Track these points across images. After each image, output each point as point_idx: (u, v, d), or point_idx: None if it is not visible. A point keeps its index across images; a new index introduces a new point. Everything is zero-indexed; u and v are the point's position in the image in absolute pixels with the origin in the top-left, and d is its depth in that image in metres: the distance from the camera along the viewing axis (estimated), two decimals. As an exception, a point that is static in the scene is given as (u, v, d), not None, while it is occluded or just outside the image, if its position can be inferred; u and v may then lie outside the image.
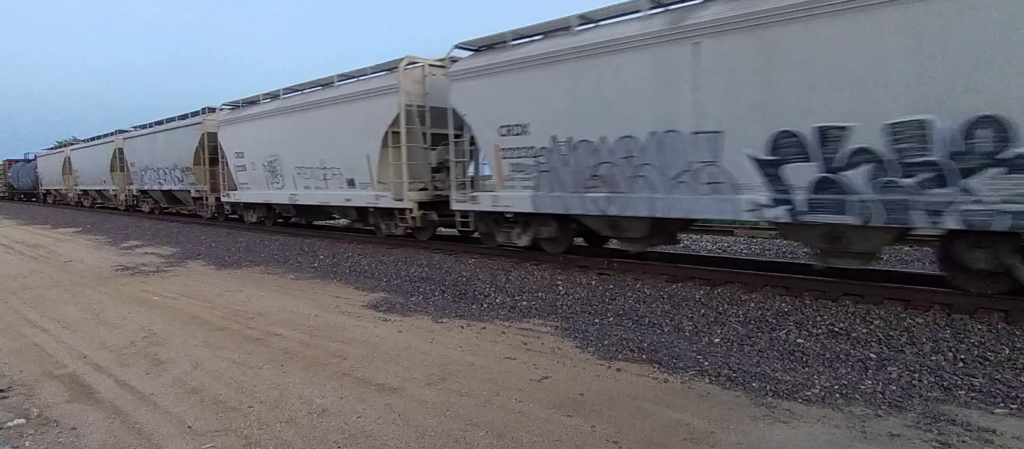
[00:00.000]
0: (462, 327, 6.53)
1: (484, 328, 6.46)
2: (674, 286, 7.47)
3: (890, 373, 4.72)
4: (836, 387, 4.48)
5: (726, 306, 6.60)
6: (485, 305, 7.54)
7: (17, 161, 49.65)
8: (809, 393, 4.40)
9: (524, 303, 7.45)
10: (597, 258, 8.99)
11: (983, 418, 3.96)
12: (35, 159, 40.44)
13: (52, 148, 38.60)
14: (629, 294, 7.35)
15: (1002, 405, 4.15)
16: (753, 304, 6.55)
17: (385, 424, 4.08)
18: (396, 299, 7.99)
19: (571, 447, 3.71)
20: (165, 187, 21.14)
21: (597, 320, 6.64)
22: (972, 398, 4.27)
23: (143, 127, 22.42)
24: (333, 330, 6.53)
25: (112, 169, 25.58)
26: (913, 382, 4.55)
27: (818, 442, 3.70)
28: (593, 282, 8.00)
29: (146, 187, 22.74)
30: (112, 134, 25.57)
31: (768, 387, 4.51)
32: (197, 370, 5.31)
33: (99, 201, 29.95)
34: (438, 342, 5.98)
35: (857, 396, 4.33)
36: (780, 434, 3.81)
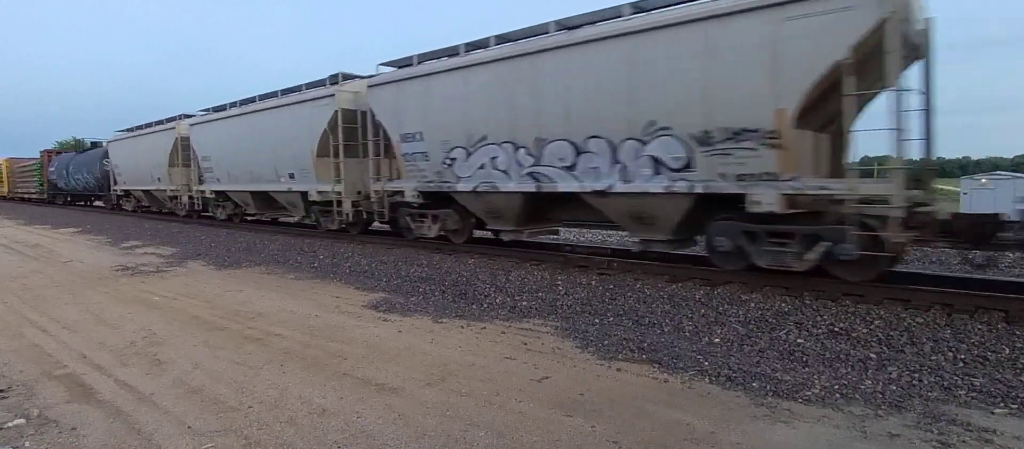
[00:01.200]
0: (462, 327, 6.53)
1: (484, 328, 6.46)
2: (674, 286, 7.47)
3: (890, 373, 4.72)
4: (836, 387, 4.48)
5: (726, 306, 6.60)
6: (485, 305, 7.54)
7: (63, 152, 37.43)
8: (809, 393, 4.40)
9: (524, 303, 7.45)
10: (597, 258, 8.99)
11: (983, 418, 3.96)
12: (104, 145, 26.80)
13: (126, 129, 23.62)
14: (629, 294, 7.35)
15: (1002, 405, 4.15)
16: (753, 304, 6.55)
17: (385, 424, 4.08)
18: (396, 299, 7.99)
19: (571, 447, 3.71)
20: (567, 188, 8.53)
21: (597, 320, 6.64)
22: (972, 398, 4.27)
23: (432, 56, 10.59)
24: (333, 330, 6.53)
25: (320, 154, 12.76)
26: (913, 382, 4.55)
27: (818, 442, 3.70)
28: (593, 282, 8.00)
29: (478, 186, 9.64)
30: (323, 82, 13.14)
31: (768, 387, 4.51)
32: (197, 370, 5.31)
33: (253, 213, 17.14)
34: (438, 342, 5.98)
35: (857, 396, 4.33)
36: (780, 434, 3.81)
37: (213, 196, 18.07)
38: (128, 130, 23.59)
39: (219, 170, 17.04)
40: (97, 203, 32.78)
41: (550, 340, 5.96)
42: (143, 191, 23.20)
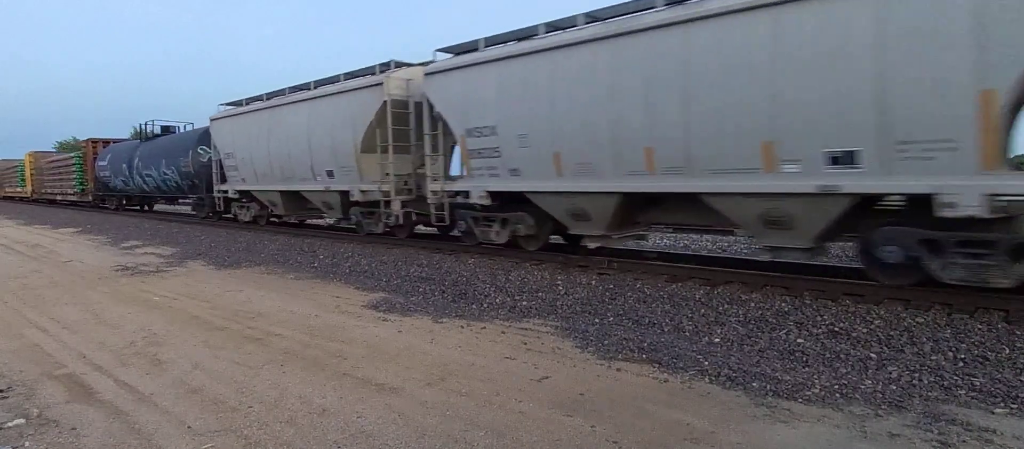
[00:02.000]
0: (462, 327, 6.53)
1: (484, 328, 6.46)
2: (674, 286, 7.47)
3: (890, 373, 4.72)
4: (836, 387, 4.48)
5: (726, 306, 6.60)
6: (485, 305, 7.54)
7: (116, 141, 27.61)
8: (809, 393, 4.40)
9: (524, 303, 7.45)
10: (597, 258, 8.98)
11: (983, 418, 3.96)
12: (204, 129, 17.70)
13: (235, 101, 16.02)
14: (629, 294, 7.35)
15: (1002, 405, 4.15)
16: (753, 304, 6.55)
17: (385, 424, 4.08)
18: (396, 299, 7.99)
19: (571, 447, 3.70)
20: None
21: (597, 320, 6.64)
22: (972, 398, 4.27)
23: None
24: (333, 330, 6.53)
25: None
26: (913, 382, 4.55)
27: (818, 442, 3.70)
28: (593, 282, 7.99)
29: None
30: None
31: (768, 387, 4.51)
32: (197, 370, 5.31)
33: (599, 235, 8.54)
34: (438, 342, 5.98)
35: (857, 396, 4.33)
36: (780, 434, 3.81)
37: (487, 200, 9.54)
38: (241, 103, 15.60)
39: (526, 152, 8.70)
40: (159, 208, 25.90)
41: (550, 340, 5.95)
42: (280, 193, 14.52)
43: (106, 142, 28.15)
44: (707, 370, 4.90)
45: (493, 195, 9.54)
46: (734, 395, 4.44)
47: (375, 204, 11.93)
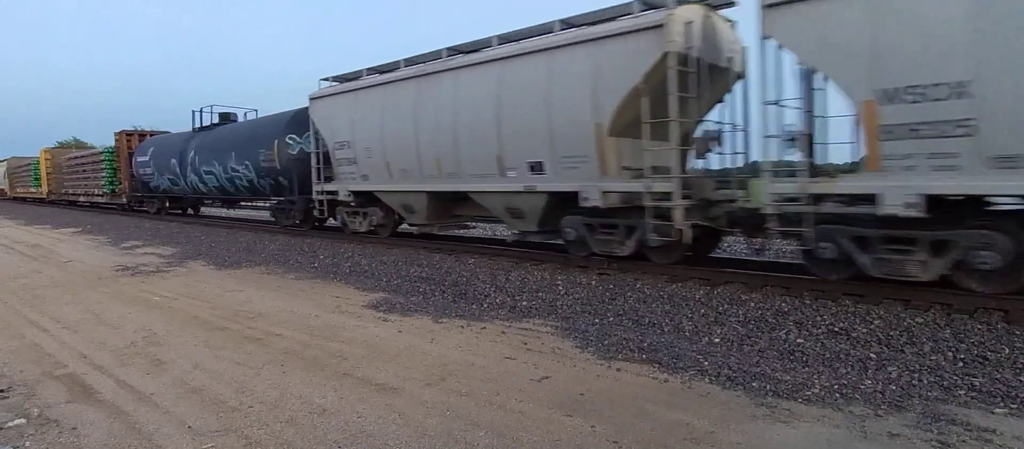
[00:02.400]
0: (462, 327, 6.53)
1: (484, 328, 6.47)
2: (674, 286, 7.47)
3: (890, 373, 4.72)
4: (836, 387, 4.48)
5: (726, 306, 6.60)
6: (485, 305, 7.55)
7: (153, 133, 23.99)
8: (809, 393, 4.40)
9: (524, 303, 7.46)
10: (597, 258, 8.98)
11: (983, 418, 3.96)
12: (296, 113, 14.20)
13: (339, 76, 12.54)
14: (629, 294, 7.36)
15: (1002, 405, 4.15)
16: (753, 304, 6.55)
17: (385, 424, 4.08)
18: (396, 299, 7.99)
19: (571, 447, 3.71)
20: None
21: (597, 320, 6.64)
22: (972, 398, 4.27)
23: None
24: (333, 330, 6.53)
25: None
26: (913, 382, 4.55)
27: (818, 442, 3.70)
28: (593, 282, 8.00)
29: None
30: None
31: (768, 387, 4.52)
32: (197, 370, 5.31)
33: None
34: (438, 342, 5.98)
35: (857, 396, 4.33)
36: (780, 434, 3.82)
37: (915, 211, 5.69)
38: (359, 74, 12.01)
39: None
40: (209, 212, 22.28)
41: (550, 340, 5.96)
42: (429, 195, 10.79)
43: (142, 134, 23.82)
44: (707, 370, 4.90)
45: (931, 203, 5.72)
46: (734, 395, 4.44)
47: (617, 212, 8.33)
